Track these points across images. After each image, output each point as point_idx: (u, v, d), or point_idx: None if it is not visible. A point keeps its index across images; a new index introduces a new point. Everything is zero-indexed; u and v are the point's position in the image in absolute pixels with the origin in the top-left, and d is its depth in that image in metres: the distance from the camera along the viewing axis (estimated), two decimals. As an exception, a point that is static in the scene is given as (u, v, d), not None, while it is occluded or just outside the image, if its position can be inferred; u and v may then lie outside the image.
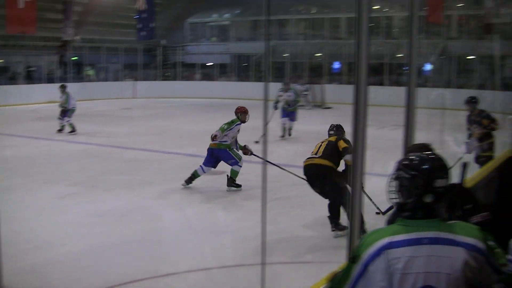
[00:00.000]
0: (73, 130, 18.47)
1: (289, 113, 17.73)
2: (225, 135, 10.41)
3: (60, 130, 18.74)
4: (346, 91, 30.37)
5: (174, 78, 40.42)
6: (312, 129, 20.43)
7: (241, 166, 10.45)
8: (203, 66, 42.04)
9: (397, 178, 2.83)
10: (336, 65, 37.91)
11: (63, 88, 19.18)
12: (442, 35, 33.40)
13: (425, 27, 28.53)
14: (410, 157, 2.86)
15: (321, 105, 29.89)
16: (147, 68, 40.74)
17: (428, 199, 2.71)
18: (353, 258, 2.71)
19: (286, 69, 36.97)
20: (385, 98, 25.64)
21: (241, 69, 41.27)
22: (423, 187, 2.73)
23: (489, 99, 17.92)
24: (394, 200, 2.85)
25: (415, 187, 2.75)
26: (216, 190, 10.53)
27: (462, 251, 2.59)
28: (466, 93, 14.38)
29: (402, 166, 2.83)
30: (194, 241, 7.72)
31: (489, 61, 15.52)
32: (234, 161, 10.40)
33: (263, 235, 4.97)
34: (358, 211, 3.46)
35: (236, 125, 10.60)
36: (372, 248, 2.64)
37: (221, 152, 10.46)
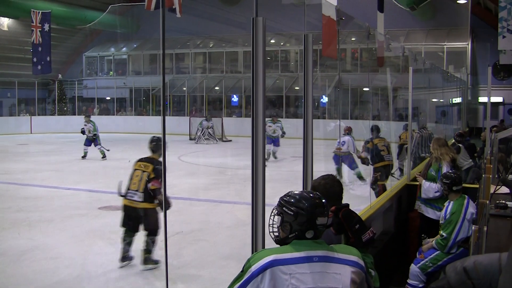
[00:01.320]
0: (104, 156, 20.89)
1: (274, 140, 20.04)
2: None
3: (84, 157, 21.11)
4: (245, 124, 30.86)
5: (71, 113, 39.70)
6: (212, 162, 20.65)
7: None
8: (101, 100, 41.54)
9: (279, 213, 3.03)
10: (235, 98, 38.31)
11: (88, 117, 21.66)
12: (337, 68, 34.47)
13: (320, 60, 29.46)
14: (293, 194, 3.07)
15: (220, 138, 30.15)
16: (43, 102, 39.83)
17: (309, 235, 2.95)
18: (243, 269, 2.93)
19: (185, 103, 37.08)
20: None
21: (140, 103, 41.04)
22: (306, 224, 2.95)
23: (384, 129, 18.65)
24: (275, 234, 3.05)
25: (298, 224, 2.96)
26: (118, 227, 10.44)
27: (348, 268, 2.87)
28: (362, 124, 14.98)
29: (285, 203, 3.04)
30: (97, 278, 7.64)
31: (382, 93, 16.16)
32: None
33: (166, 268, 5.04)
34: (262, 242, 3.57)
35: None
36: (259, 263, 2.85)
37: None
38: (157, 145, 8.26)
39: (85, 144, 21.26)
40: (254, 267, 2.86)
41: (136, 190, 7.89)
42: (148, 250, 7.86)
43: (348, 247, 3.04)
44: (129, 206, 7.99)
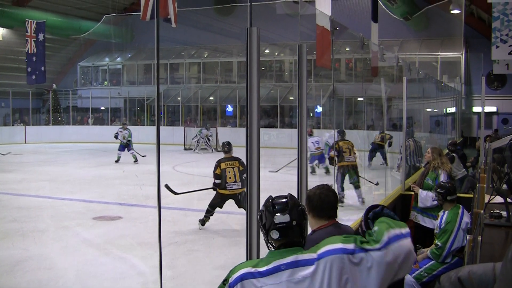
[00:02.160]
0: (136, 160, 22.66)
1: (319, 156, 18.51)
2: None
3: (117, 161, 23.07)
4: (239, 134, 30.84)
5: (66, 122, 39.67)
6: (207, 173, 20.61)
7: None
8: (96, 110, 41.53)
9: (259, 216, 3.13)
10: (229, 108, 38.33)
11: (124, 125, 24.47)
12: (331, 78, 34.59)
13: (314, 70, 29.51)
14: (266, 200, 3.15)
15: (215, 148, 30.11)
16: (37, 112, 39.80)
17: (274, 235, 2.98)
18: (224, 280, 3.00)
19: (180, 113, 37.11)
20: (278, 140, 26.17)
21: (134, 113, 41.04)
22: (267, 223, 3.02)
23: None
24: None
25: (263, 226, 3.05)
26: (114, 236, 10.43)
27: (321, 264, 2.80)
28: (357, 133, 15.05)
29: (261, 207, 3.13)
30: (91, 288, 7.63)
31: (377, 103, 16.21)
32: None
33: (160, 279, 5.02)
34: (256, 252, 3.57)
35: None
36: (235, 275, 2.93)
37: None
38: (229, 147, 11.63)
39: (119, 150, 23.35)
40: (231, 279, 2.94)
41: (234, 182, 10.82)
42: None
43: (328, 239, 2.96)
44: (229, 194, 10.83)
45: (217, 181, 10.95)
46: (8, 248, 9.56)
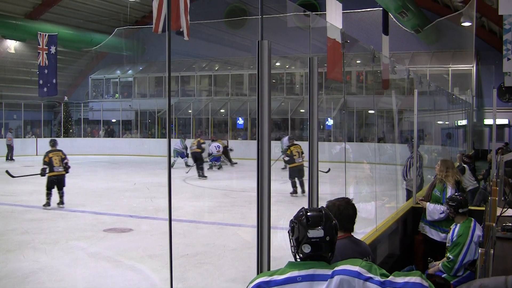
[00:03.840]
0: (188, 165, 25.73)
1: (217, 158, 25.53)
2: None
3: (172, 166, 24.65)
4: (250, 147, 30.87)
5: (77, 135, 39.83)
6: (217, 185, 20.64)
7: None
8: (107, 122, 41.67)
9: (289, 230, 3.09)
10: (240, 121, 38.37)
11: (184, 138, 28.17)
12: (342, 90, 34.55)
13: (325, 83, 29.54)
14: (299, 211, 3.11)
15: (226, 161, 30.17)
16: (49, 124, 39.98)
17: (306, 249, 2.96)
18: None
19: (191, 125, 37.19)
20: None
21: (145, 125, 41.14)
22: (300, 237, 2.99)
23: (389, 152, 18.72)
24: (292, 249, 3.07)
25: (295, 239, 3.02)
26: (125, 249, 10.43)
27: (334, 280, 2.80)
28: (368, 146, 15.02)
29: (292, 219, 3.09)
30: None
31: (388, 115, 16.20)
32: None
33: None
34: (267, 265, 3.57)
35: None
36: (251, 285, 2.92)
37: None
38: (54, 142, 16.23)
39: (174, 156, 26.67)
40: None
41: (59, 166, 15.57)
42: None
43: (351, 260, 2.97)
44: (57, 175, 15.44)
45: (45, 167, 15.22)
46: (19, 260, 9.59)
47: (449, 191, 7.71)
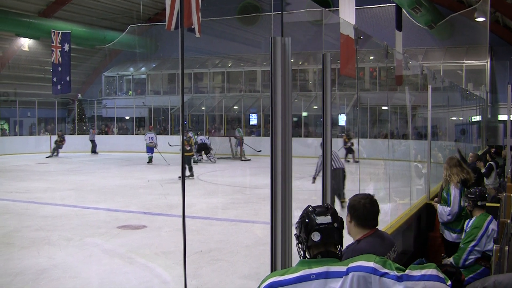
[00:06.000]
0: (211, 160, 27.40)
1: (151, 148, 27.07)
2: None
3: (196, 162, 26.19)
4: (263, 143, 30.86)
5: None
6: (231, 182, 20.65)
7: None
8: (120, 119, 41.80)
9: (298, 223, 3.14)
10: (253, 117, 38.34)
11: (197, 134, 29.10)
12: (355, 87, 34.46)
13: (339, 79, 29.47)
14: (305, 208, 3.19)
15: (239, 157, 30.17)
16: (63, 122, 40.15)
17: (315, 237, 2.97)
18: None
19: (204, 122, 37.23)
20: (303, 150, 26.16)
21: (159, 122, 41.24)
22: (309, 226, 3.03)
23: (403, 149, 18.66)
24: (301, 255, 3.09)
25: (303, 232, 3.06)
26: (138, 245, 10.45)
27: (348, 277, 2.80)
28: (381, 143, 14.99)
29: (298, 218, 3.16)
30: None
31: (401, 112, 16.15)
32: None
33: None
34: (281, 262, 3.56)
35: None
36: (263, 285, 2.90)
37: None
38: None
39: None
40: None
41: None
42: None
43: (364, 255, 2.96)
44: None
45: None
46: (34, 256, 9.63)
47: (453, 192, 7.53)
